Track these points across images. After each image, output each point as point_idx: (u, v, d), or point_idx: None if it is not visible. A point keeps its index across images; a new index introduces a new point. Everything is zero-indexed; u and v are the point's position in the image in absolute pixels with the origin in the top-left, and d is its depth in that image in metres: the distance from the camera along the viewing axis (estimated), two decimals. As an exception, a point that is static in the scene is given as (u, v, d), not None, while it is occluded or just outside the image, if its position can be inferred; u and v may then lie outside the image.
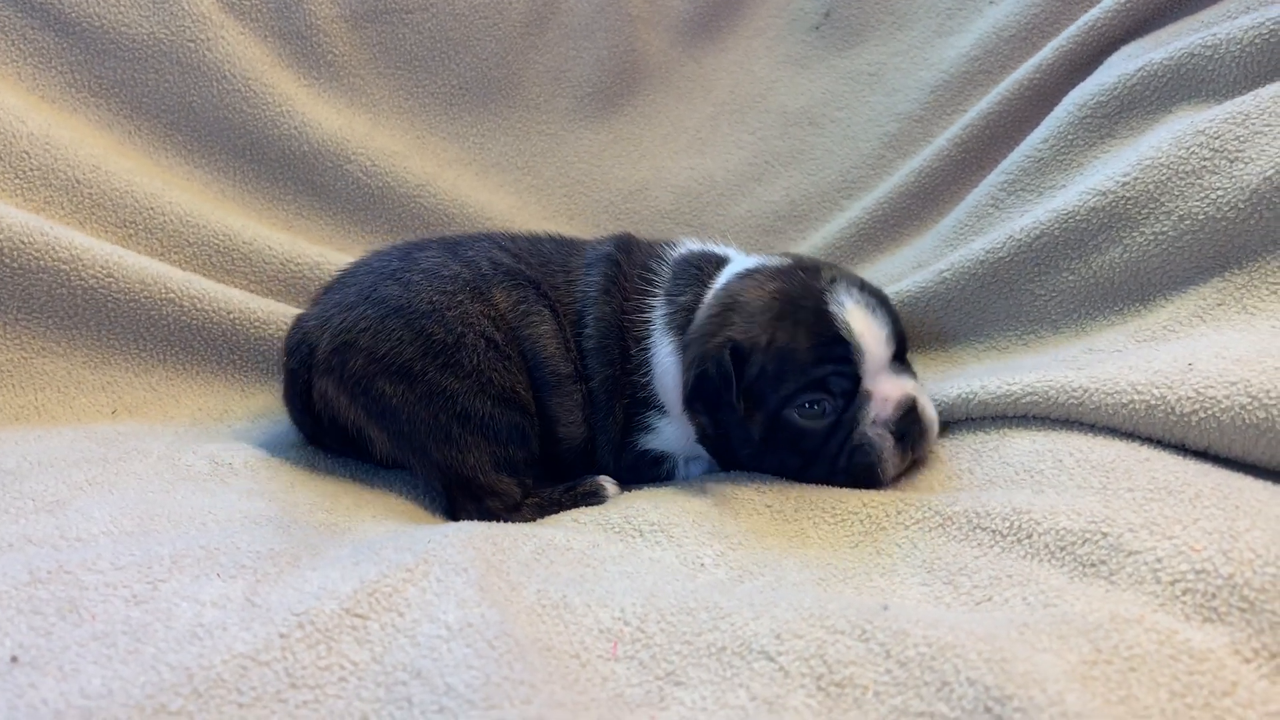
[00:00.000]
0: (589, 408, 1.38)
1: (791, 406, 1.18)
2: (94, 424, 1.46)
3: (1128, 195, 1.27)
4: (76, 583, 0.88)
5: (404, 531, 1.10)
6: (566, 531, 1.14)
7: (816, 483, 1.20)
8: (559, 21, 2.10)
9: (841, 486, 1.18)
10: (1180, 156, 1.24)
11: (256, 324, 1.61)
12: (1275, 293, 1.14)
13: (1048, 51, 1.68)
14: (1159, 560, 0.86)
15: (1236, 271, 1.18)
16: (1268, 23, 1.28)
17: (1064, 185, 1.45)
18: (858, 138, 1.98)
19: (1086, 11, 1.64)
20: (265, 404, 1.59)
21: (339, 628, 0.81)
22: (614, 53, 2.11)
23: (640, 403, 1.35)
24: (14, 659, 0.77)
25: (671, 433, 1.35)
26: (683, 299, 1.33)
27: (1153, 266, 1.25)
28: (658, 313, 1.34)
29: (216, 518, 1.10)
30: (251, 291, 1.70)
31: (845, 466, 1.18)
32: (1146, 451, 1.05)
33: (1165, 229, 1.23)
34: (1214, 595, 0.81)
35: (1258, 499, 0.91)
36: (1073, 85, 1.56)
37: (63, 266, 1.48)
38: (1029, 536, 0.97)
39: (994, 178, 1.58)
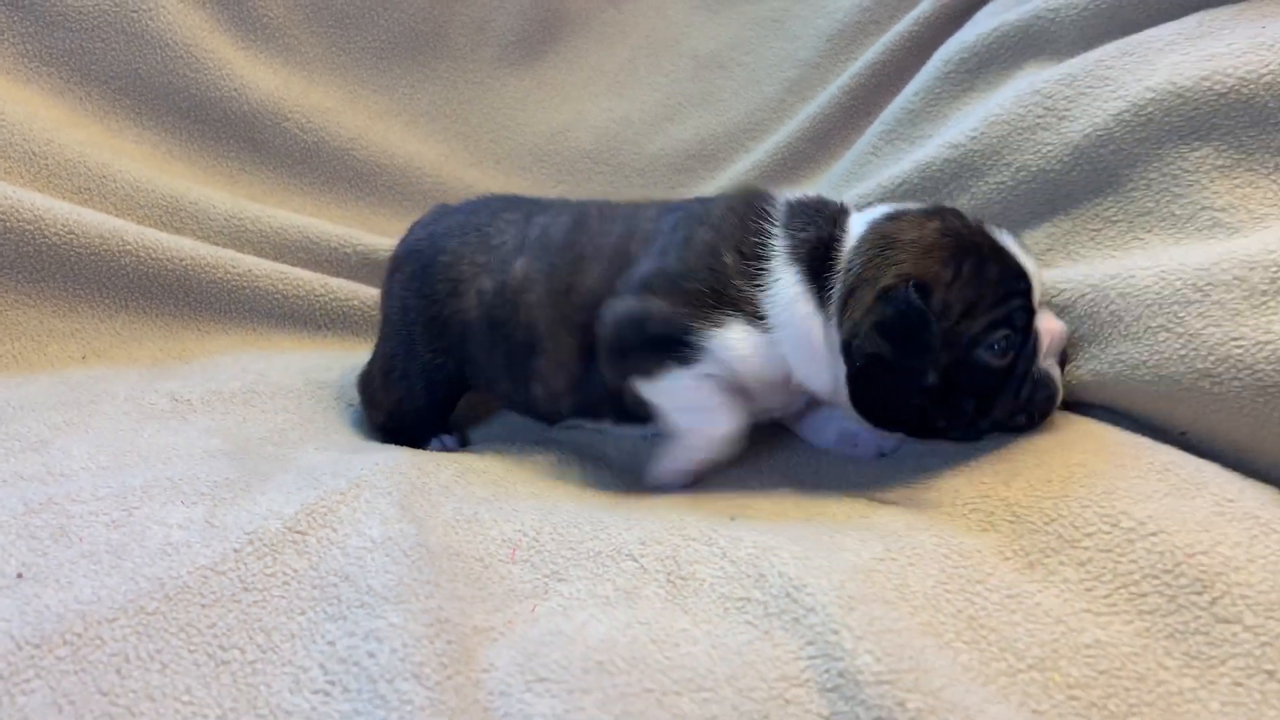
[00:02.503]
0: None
1: (981, 345, 1.06)
2: (66, 369, 1.53)
3: (974, 148, 1.33)
4: (64, 512, 0.97)
5: (342, 459, 1.17)
6: (486, 459, 1.24)
7: (986, 430, 1.11)
8: (483, -27, 2.13)
9: (1012, 429, 1.10)
10: (1019, 113, 1.30)
11: (207, 268, 1.67)
12: (1094, 239, 1.21)
13: (926, 4, 1.73)
14: (956, 491, 1.02)
15: (1063, 219, 1.25)
16: (1103, -13, 1.32)
17: (931, 135, 1.49)
18: (762, 82, 2.02)
19: (965, -35, 1.66)
20: (221, 343, 1.66)
21: (282, 542, 0.91)
22: (536, 1, 2.16)
23: (729, 302, 1.14)
24: (19, 575, 0.86)
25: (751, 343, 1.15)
26: (804, 234, 1.15)
27: (995, 213, 1.30)
28: (777, 242, 1.15)
29: (179, 453, 1.19)
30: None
31: (1027, 403, 1.09)
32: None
33: (1005, 179, 1.30)
34: (993, 513, 0.95)
35: (1043, 439, 1.08)
36: (947, 38, 1.60)
37: (27, 227, 1.55)
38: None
39: (875, 127, 1.63)
